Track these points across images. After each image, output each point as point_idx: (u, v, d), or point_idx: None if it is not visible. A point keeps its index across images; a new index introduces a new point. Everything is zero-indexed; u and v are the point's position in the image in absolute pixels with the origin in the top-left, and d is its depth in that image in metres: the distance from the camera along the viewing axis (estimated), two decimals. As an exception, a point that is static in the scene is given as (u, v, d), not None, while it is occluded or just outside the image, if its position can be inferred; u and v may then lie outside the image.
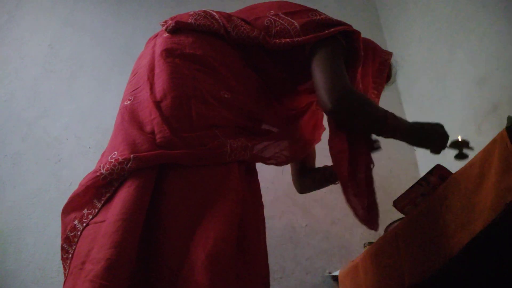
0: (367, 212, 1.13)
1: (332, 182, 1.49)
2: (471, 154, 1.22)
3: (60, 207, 1.03)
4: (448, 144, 1.22)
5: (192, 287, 0.84)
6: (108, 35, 2.33)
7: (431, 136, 1.18)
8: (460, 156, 1.24)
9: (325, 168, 1.49)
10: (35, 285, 1.71)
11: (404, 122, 1.17)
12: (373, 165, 1.19)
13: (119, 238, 0.84)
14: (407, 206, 1.24)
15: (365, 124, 1.16)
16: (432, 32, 2.22)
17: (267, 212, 1.15)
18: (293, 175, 1.56)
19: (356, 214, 1.15)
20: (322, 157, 1.59)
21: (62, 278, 1.00)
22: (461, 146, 1.24)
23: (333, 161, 1.20)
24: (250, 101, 1.15)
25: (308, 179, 1.52)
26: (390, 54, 1.41)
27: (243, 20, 1.21)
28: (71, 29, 2.30)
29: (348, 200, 1.15)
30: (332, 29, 1.19)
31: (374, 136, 1.22)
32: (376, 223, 1.15)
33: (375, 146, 1.23)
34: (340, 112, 1.10)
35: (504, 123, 1.15)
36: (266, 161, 1.20)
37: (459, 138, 1.25)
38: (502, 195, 0.86)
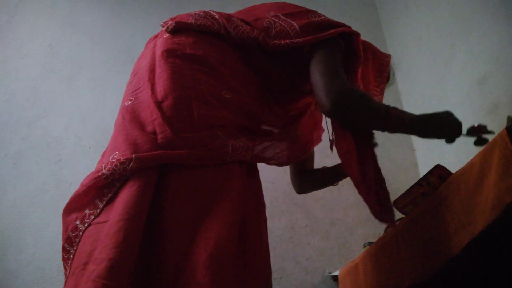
0: (382, 210, 1.11)
1: (330, 183, 1.49)
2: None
3: (60, 207, 1.03)
4: (465, 132, 1.19)
5: (194, 287, 0.84)
6: (108, 35, 2.33)
7: (442, 124, 1.16)
8: (480, 141, 1.20)
9: (324, 169, 1.48)
10: (35, 285, 1.71)
11: (410, 115, 1.15)
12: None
13: (121, 238, 0.85)
14: (407, 206, 1.24)
15: (367, 120, 1.15)
16: (432, 32, 2.22)
17: (267, 212, 1.15)
18: (291, 175, 1.56)
19: (373, 211, 1.12)
20: (322, 157, 1.59)
21: (62, 278, 1.01)
22: (479, 131, 1.20)
23: (342, 162, 1.19)
24: (250, 101, 1.15)
25: (307, 180, 1.52)
26: (389, 56, 1.41)
27: (243, 21, 1.21)
28: (71, 29, 2.30)
29: (365, 199, 1.13)
30: (331, 31, 1.19)
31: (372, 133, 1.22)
32: (392, 220, 1.13)
33: (373, 143, 1.23)
34: (338, 112, 1.09)
35: (504, 123, 1.14)
36: (268, 161, 1.20)
37: (475, 124, 1.22)
38: (502, 195, 0.86)
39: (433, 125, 1.16)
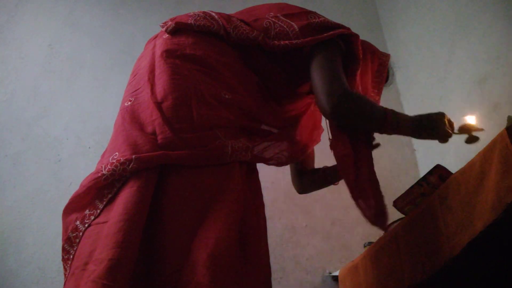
0: (375, 214, 1.13)
1: (331, 182, 1.49)
2: (481, 135, 1.20)
3: (60, 207, 1.03)
4: (456, 130, 1.21)
5: (194, 286, 0.84)
6: (108, 35, 2.33)
7: (434, 125, 1.17)
8: (471, 139, 1.21)
9: (325, 168, 1.49)
10: (35, 285, 1.71)
11: (405, 116, 1.18)
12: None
13: (121, 239, 0.85)
14: (407, 206, 1.24)
15: (364, 124, 1.18)
16: (432, 32, 2.22)
17: (267, 212, 1.15)
18: (292, 175, 1.56)
19: (365, 215, 1.15)
20: (322, 157, 1.59)
21: (62, 278, 1.01)
22: (469, 130, 1.21)
23: (338, 164, 1.21)
24: (250, 101, 1.15)
25: (308, 179, 1.52)
26: (388, 56, 1.42)
27: (242, 21, 1.22)
28: (71, 29, 2.30)
29: (357, 203, 1.16)
30: (331, 32, 1.19)
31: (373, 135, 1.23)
32: (385, 224, 1.15)
33: (374, 144, 1.24)
34: (339, 116, 1.11)
35: (504, 123, 1.14)
36: (267, 161, 1.21)
37: (466, 121, 1.23)
38: (503, 195, 0.86)
39: (426, 126, 1.17)
